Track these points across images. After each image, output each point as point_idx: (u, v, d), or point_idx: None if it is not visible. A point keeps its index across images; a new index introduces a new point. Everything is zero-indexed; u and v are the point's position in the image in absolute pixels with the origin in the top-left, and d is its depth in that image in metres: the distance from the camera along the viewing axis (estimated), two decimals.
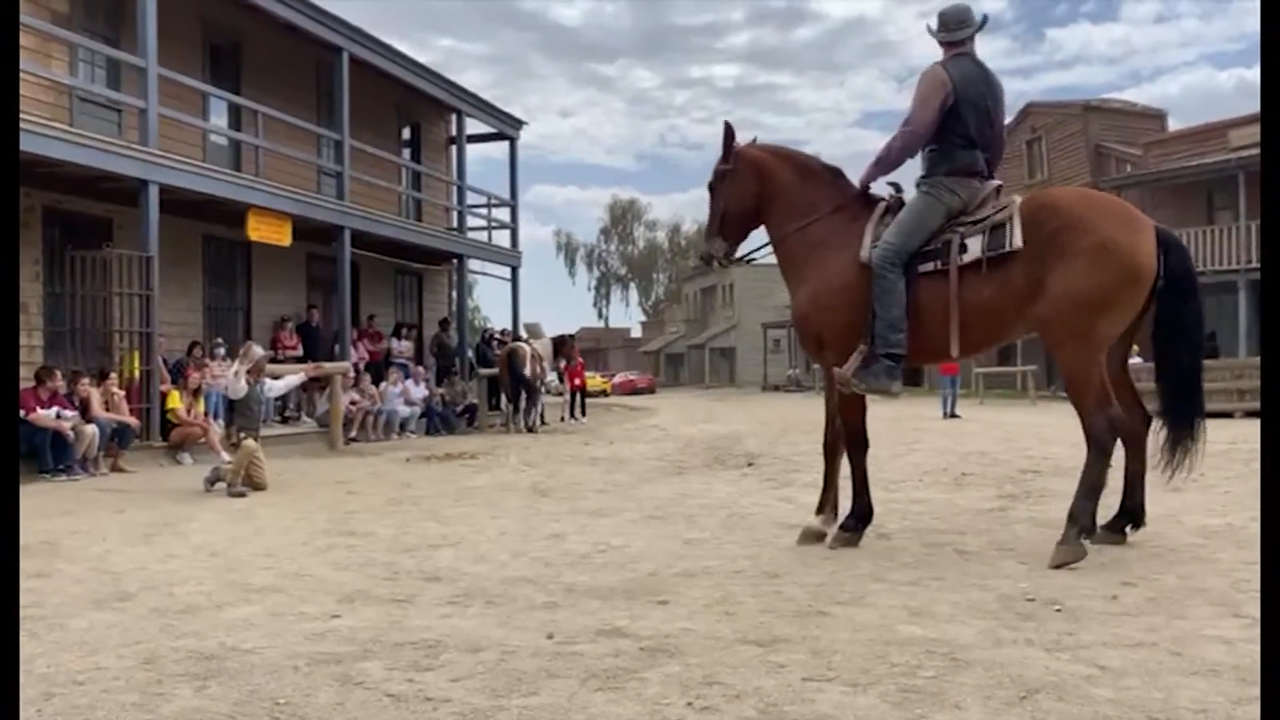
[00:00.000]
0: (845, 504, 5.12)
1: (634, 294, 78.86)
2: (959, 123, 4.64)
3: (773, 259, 5.35)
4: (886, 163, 4.88)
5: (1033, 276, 4.34)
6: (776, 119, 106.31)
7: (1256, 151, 22.08)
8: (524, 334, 22.79)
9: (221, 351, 13.19)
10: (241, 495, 7.73)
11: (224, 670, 2.99)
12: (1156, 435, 4.57)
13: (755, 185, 5.14)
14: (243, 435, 8.01)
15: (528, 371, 16.20)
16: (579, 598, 3.85)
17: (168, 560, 4.95)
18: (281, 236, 13.13)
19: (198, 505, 7.30)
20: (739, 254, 5.50)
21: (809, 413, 22.32)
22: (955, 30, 4.75)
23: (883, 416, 18.05)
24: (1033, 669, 2.77)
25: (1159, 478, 4.61)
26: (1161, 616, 3.29)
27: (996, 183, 4.88)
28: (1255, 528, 5.03)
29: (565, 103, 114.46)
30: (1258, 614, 3.28)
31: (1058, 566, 4.08)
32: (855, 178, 5.08)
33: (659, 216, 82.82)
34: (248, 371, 8.17)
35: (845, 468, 5.11)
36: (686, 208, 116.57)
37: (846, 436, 5.00)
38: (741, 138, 5.30)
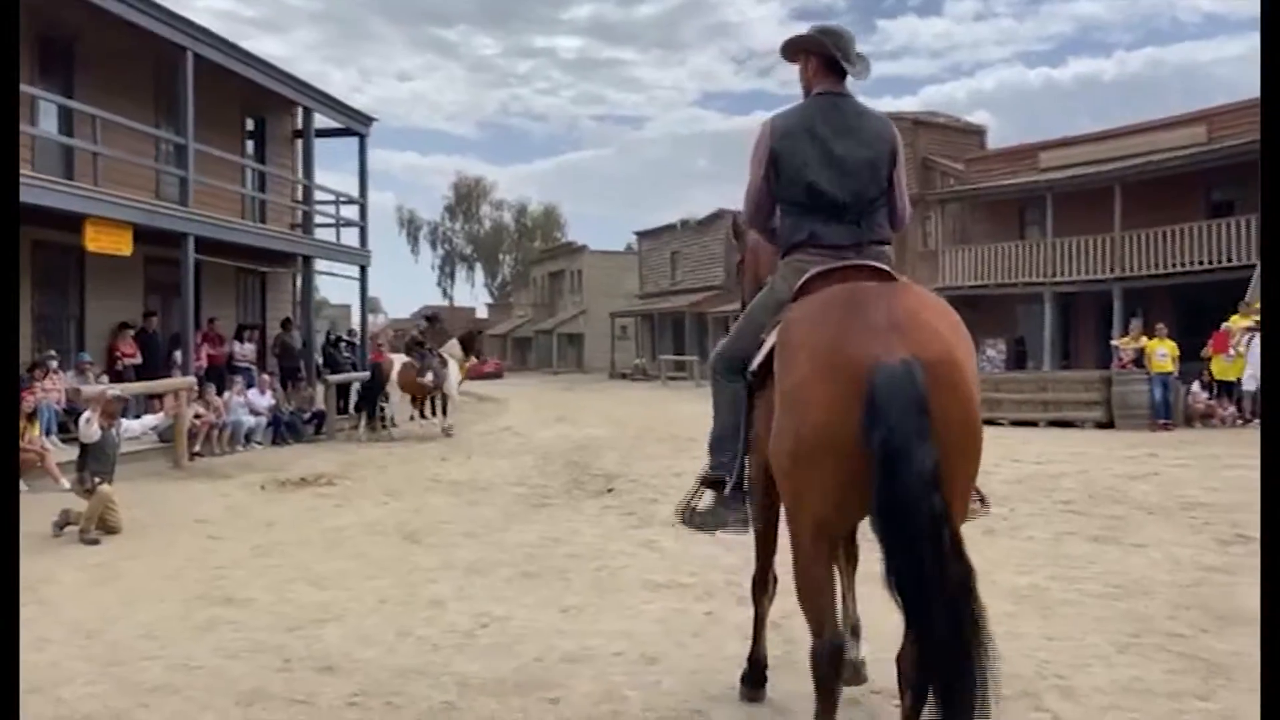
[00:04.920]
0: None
1: (480, 274, 78.10)
2: (782, 186, 3.60)
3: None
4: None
5: None
6: (620, 95, 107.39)
7: (1061, 174, 24.20)
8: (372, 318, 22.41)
9: (54, 364, 12.57)
10: (95, 543, 7.57)
11: None
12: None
13: (756, 274, 4.27)
14: (97, 481, 7.81)
15: (392, 388, 16.23)
16: (474, 696, 4.14)
17: (43, 648, 4.91)
18: (122, 246, 12.58)
19: (52, 558, 7.12)
20: None
21: (657, 409, 23.06)
22: (848, 58, 3.59)
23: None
24: None
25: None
26: None
27: (826, 265, 3.46)
28: (1056, 588, 5.83)
29: (404, 66, 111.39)
30: (1060, 707, 3.93)
31: None
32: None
33: (505, 196, 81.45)
34: (101, 415, 7.96)
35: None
36: (530, 181, 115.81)
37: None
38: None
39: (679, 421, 18.75)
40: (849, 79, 3.63)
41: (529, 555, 7.02)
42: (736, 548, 7.14)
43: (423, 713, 3.97)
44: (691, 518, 3.91)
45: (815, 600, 3.05)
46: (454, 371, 17.07)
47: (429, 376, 16.58)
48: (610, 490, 10.17)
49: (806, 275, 3.47)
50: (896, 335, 2.84)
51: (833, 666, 3.05)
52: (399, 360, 16.60)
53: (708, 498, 3.82)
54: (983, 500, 3.69)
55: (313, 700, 4.13)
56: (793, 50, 3.71)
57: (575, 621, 5.30)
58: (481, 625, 5.25)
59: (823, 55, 3.60)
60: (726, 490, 3.74)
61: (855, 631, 4.14)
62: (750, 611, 4.15)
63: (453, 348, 17.39)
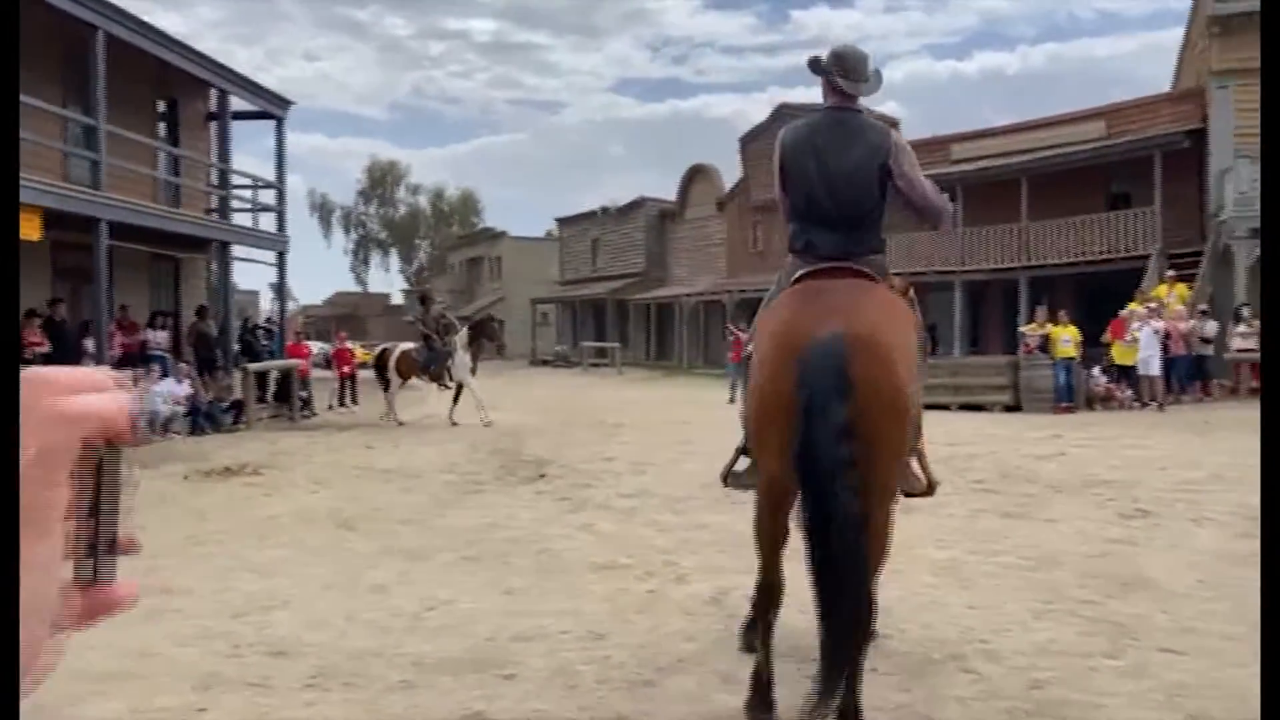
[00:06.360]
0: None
1: (395, 259, 76.87)
2: (790, 195, 3.92)
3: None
4: None
5: None
6: (536, 79, 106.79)
7: (973, 166, 25.04)
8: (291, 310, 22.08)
9: None
10: None
11: None
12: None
13: None
14: None
15: (391, 373, 16.61)
16: (431, 675, 4.25)
17: None
18: (31, 232, 12.17)
19: None
20: None
21: (582, 396, 23.18)
22: (852, 80, 3.88)
23: (654, 401, 19.20)
24: None
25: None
26: (904, 676, 4.14)
27: (812, 266, 3.74)
28: (974, 561, 6.18)
29: (311, 46, 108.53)
30: (985, 668, 4.23)
31: None
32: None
33: (422, 180, 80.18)
34: None
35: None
36: (444, 165, 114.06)
37: None
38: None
39: (605, 408, 18.95)
40: (863, 92, 3.94)
41: (468, 540, 7.11)
42: (671, 529, 7.41)
43: (381, 691, 4.07)
44: (732, 479, 4.39)
45: (763, 544, 3.77)
46: (459, 360, 16.75)
47: (430, 368, 16.57)
48: (542, 476, 10.28)
49: (795, 275, 3.84)
50: (833, 317, 3.35)
51: (767, 598, 3.78)
52: (399, 348, 16.85)
53: (743, 463, 4.31)
54: (929, 484, 4.06)
55: (269, 683, 4.19)
56: (811, 70, 4.04)
57: (521, 602, 5.44)
58: (428, 608, 5.34)
59: (825, 76, 3.94)
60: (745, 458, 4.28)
61: None
62: (690, 589, 4.41)
63: (461, 337, 17.06)
